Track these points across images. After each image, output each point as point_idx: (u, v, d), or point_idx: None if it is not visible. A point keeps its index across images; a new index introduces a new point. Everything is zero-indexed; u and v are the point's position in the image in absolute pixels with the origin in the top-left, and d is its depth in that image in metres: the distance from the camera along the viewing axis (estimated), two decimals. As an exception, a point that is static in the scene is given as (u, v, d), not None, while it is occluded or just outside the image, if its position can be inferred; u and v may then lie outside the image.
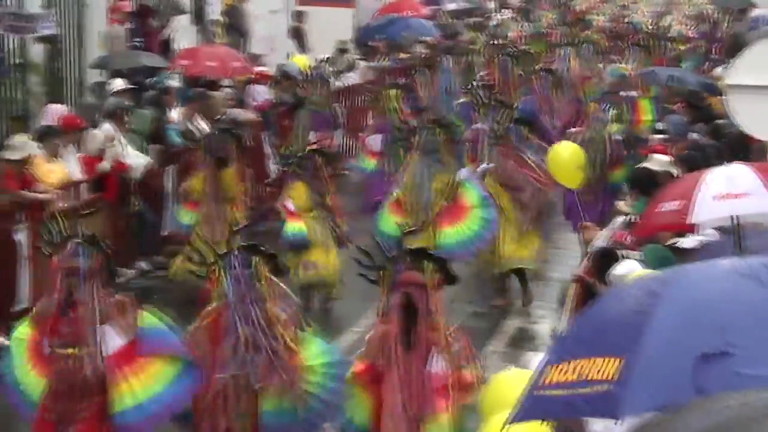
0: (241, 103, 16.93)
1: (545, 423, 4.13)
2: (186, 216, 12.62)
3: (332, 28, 23.93)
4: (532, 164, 12.37)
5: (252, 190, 12.91)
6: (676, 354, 3.47)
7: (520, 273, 12.48)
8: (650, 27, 27.98)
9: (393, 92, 16.38)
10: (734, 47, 19.00)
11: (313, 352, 7.50)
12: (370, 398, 7.28)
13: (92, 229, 9.24)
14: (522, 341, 11.61)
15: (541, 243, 12.51)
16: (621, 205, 10.49)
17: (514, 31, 26.61)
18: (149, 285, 12.82)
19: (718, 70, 19.02)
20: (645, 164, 10.99)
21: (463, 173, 12.39)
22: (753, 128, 10.66)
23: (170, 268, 12.49)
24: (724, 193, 6.97)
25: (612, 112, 13.91)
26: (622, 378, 3.48)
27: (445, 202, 11.88)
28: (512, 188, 12.27)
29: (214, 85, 16.94)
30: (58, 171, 12.26)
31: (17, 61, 15.92)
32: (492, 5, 32.28)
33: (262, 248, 7.59)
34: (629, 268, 7.34)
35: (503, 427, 3.94)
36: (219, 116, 15.22)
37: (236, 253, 7.44)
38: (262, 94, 17.67)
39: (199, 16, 21.02)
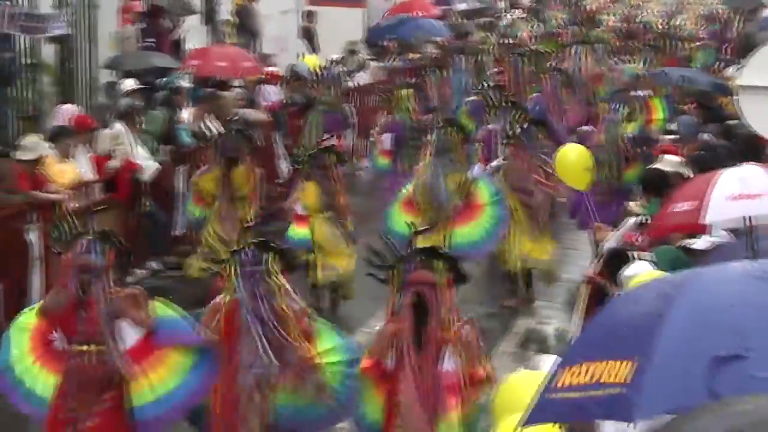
0: (251, 104, 16.95)
1: (558, 425, 4.13)
2: (196, 210, 12.67)
3: (343, 28, 23.95)
4: (542, 166, 12.38)
5: (263, 190, 12.92)
6: (689, 357, 3.47)
7: (526, 272, 12.49)
8: (661, 27, 27.96)
9: (406, 92, 16.39)
10: (745, 47, 18.97)
11: (328, 348, 7.51)
12: (380, 394, 7.29)
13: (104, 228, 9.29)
14: (533, 342, 11.61)
15: (553, 244, 12.52)
16: (632, 205, 10.48)
17: (525, 31, 26.59)
18: (160, 285, 12.83)
19: (730, 71, 19.00)
20: (656, 165, 10.98)
21: (475, 171, 12.39)
22: (764, 129, 10.65)
23: (187, 269, 12.51)
24: (737, 193, 6.96)
25: (623, 111, 13.89)
26: (635, 381, 3.48)
27: (458, 202, 11.90)
28: (521, 191, 12.27)
29: (224, 85, 16.97)
30: (69, 171, 12.29)
31: (29, 61, 15.94)
32: (502, 5, 32.26)
33: (273, 244, 7.61)
34: (640, 269, 7.34)
35: (515, 430, 3.94)
36: (230, 117, 15.24)
37: (248, 249, 7.46)
38: (272, 94, 17.69)
39: (209, 16, 21.04)
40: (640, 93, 16.21)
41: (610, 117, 13.44)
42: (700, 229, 7.50)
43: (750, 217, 6.97)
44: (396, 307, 7.31)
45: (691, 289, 3.72)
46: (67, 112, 13.83)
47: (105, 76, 16.94)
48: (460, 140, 12.51)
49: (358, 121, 18.79)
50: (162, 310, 7.50)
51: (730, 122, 12.97)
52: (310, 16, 24.27)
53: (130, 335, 7.35)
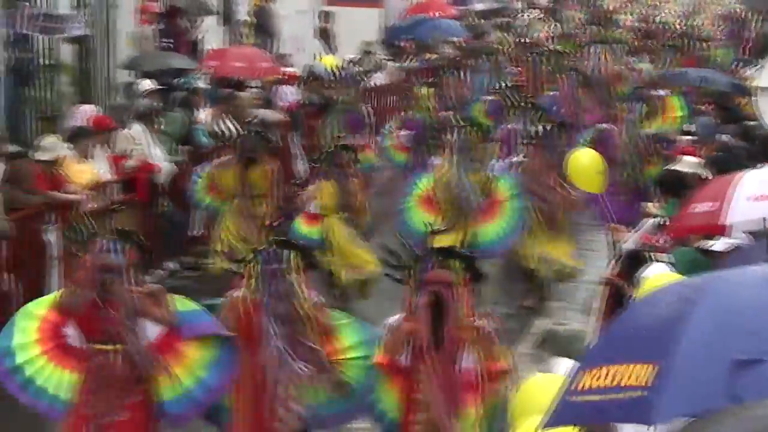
0: (268, 104, 16.97)
1: (577, 428, 4.12)
2: (206, 197, 12.72)
3: (360, 29, 23.96)
4: (559, 170, 12.38)
5: (280, 188, 12.94)
6: (710, 361, 3.46)
7: (545, 273, 12.49)
8: (680, 26, 27.91)
9: (426, 91, 16.40)
10: (764, 47, 18.96)
11: (352, 344, 7.53)
12: (395, 390, 7.31)
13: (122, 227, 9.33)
14: (551, 342, 11.55)
15: (571, 244, 12.53)
16: (650, 206, 10.45)
17: (542, 31, 26.57)
18: (178, 285, 12.85)
19: (748, 71, 18.95)
20: (674, 166, 10.95)
21: (495, 167, 12.39)
22: (783, 130, 10.63)
23: (209, 268, 12.56)
24: (758, 194, 6.95)
25: (642, 109, 13.87)
26: (655, 384, 3.47)
27: (481, 200, 11.91)
28: (537, 191, 12.26)
29: (241, 85, 17.00)
30: (88, 172, 12.32)
31: (47, 61, 16.00)
32: (519, 5, 32.23)
33: (295, 242, 7.64)
34: (658, 271, 7.33)
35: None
36: (249, 119, 15.26)
37: (271, 248, 7.48)
38: (289, 94, 17.72)
39: (227, 16, 21.08)
40: (661, 92, 16.20)
41: (628, 116, 13.42)
42: (719, 231, 7.48)
43: (769, 219, 6.94)
44: (412, 306, 7.32)
45: (712, 293, 3.71)
46: (85, 113, 13.87)
47: (123, 77, 16.98)
48: (479, 139, 12.54)
49: (375, 121, 18.79)
50: (182, 304, 7.55)
51: (749, 123, 12.94)
52: (327, 16, 24.29)
53: (152, 332, 7.38)
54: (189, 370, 7.40)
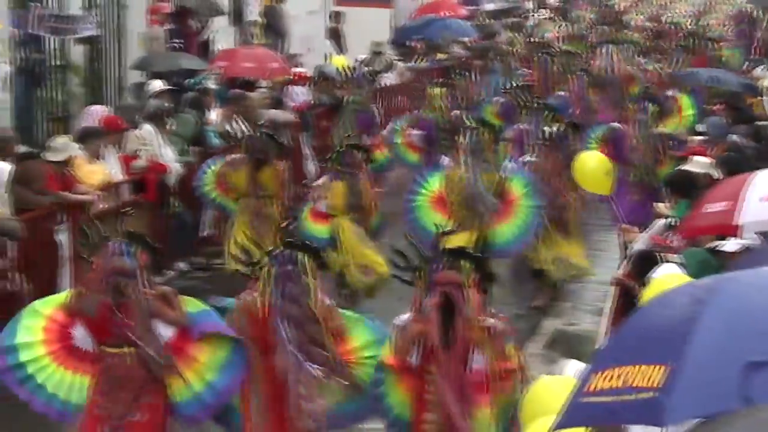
0: (278, 104, 16.98)
1: (588, 430, 4.12)
2: (213, 192, 12.72)
3: (370, 29, 23.96)
4: (570, 170, 12.38)
5: (290, 190, 12.95)
6: (722, 362, 3.46)
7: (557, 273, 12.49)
8: (690, 26, 27.87)
9: (437, 91, 16.41)
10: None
11: (365, 343, 7.53)
12: (404, 389, 7.31)
13: (133, 229, 9.35)
14: (561, 343, 11.57)
15: (582, 244, 12.53)
16: (661, 207, 10.44)
17: (552, 32, 26.55)
18: (188, 285, 12.87)
19: (758, 71, 18.94)
20: (685, 166, 10.93)
21: (508, 166, 12.39)
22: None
23: (220, 269, 12.59)
24: (770, 195, 6.94)
25: (653, 109, 13.86)
26: (667, 385, 3.47)
27: (495, 202, 11.88)
28: (547, 192, 12.26)
29: (251, 86, 17.01)
30: (99, 172, 12.34)
31: (58, 62, 16.04)
32: (530, 5, 32.21)
33: (308, 244, 7.65)
34: (668, 272, 7.31)
35: (547, 433, 3.94)
36: (259, 120, 15.27)
37: (283, 250, 7.49)
38: (300, 95, 17.73)
39: (237, 17, 21.09)
40: (670, 93, 16.20)
41: (639, 116, 13.42)
42: (732, 231, 7.47)
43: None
44: (421, 306, 7.32)
45: (724, 294, 3.71)
46: (96, 113, 13.89)
47: (133, 77, 17.01)
48: (491, 140, 12.54)
49: (384, 121, 18.79)
50: (193, 305, 7.57)
51: (760, 123, 12.91)
52: (337, 16, 24.30)
53: (165, 333, 7.40)
54: (198, 374, 7.42)
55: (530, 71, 20.21)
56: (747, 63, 21.27)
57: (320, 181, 12.41)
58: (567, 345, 11.46)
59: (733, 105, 14.92)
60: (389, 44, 23.88)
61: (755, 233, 7.48)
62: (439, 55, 22.86)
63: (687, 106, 16.24)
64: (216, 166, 12.78)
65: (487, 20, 27.65)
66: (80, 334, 7.44)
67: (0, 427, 8.99)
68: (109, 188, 12.49)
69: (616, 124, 14.09)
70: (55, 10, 15.42)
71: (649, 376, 3.53)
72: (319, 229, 11.83)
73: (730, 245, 7.44)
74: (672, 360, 3.50)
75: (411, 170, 15.46)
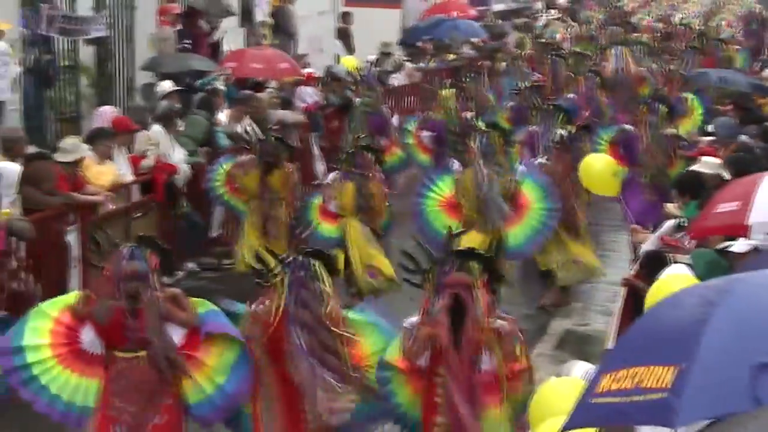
0: (287, 104, 16.99)
1: (597, 430, 4.12)
2: (224, 192, 12.74)
3: (379, 29, 23.97)
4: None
5: (300, 192, 12.96)
6: (732, 363, 3.45)
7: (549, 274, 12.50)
8: (699, 27, 27.87)
9: (448, 92, 16.41)
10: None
11: (375, 349, 7.53)
12: (413, 390, 7.31)
13: (142, 231, 9.38)
14: (570, 343, 11.57)
15: (592, 245, 12.53)
16: (670, 208, 10.43)
17: (561, 33, 26.55)
18: (197, 286, 12.89)
19: (767, 71, 18.91)
20: (694, 167, 10.92)
21: (520, 169, 12.39)
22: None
23: (229, 270, 12.59)
24: (781, 195, 6.93)
25: (663, 110, 13.85)
26: (676, 386, 3.47)
27: (507, 205, 11.87)
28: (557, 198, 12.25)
29: (260, 86, 17.02)
30: (108, 173, 12.35)
31: (67, 63, 16.06)
32: (539, 5, 32.22)
33: (322, 251, 7.65)
34: (677, 272, 7.31)
35: (556, 434, 3.94)
36: (269, 122, 15.27)
37: (298, 257, 7.49)
38: (309, 95, 17.73)
39: (246, 18, 21.10)
40: (683, 94, 16.21)
41: (650, 118, 13.41)
42: (742, 231, 7.46)
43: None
44: (430, 308, 7.32)
45: (734, 295, 3.70)
46: (106, 114, 13.91)
47: (143, 78, 17.02)
48: (502, 143, 12.53)
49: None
50: (203, 306, 7.58)
51: (769, 124, 12.90)
52: (346, 17, 24.30)
53: (177, 335, 7.42)
54: (208, 377, 7.43)
55: (541, 73, 20.20)
56: (757, 63, 21.25)
57: (329, 179, 12.42)
58: (577, 345, 11.46)
59: (742, 105, 14.91)
60: (398, 45, 23.88)
61: (765, 233, 7.47)
62: (448, 56, 22.85)
63: (695, 106, 16.24)
64: (228, 164, 12.80)
65: (497, 21, 27.66)
66: (88, 338, 7.44)
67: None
68: (119, 189, 12.51)
69: (626, 126, 14.08)
70: (64, 11, 15.43)
71: (659, 376, 3.53)
72: (329, 228, 11.87)
73: (739, 246, 7.43)
74: (682, 361, 3.50)
75: (421, 171, 15.48)
